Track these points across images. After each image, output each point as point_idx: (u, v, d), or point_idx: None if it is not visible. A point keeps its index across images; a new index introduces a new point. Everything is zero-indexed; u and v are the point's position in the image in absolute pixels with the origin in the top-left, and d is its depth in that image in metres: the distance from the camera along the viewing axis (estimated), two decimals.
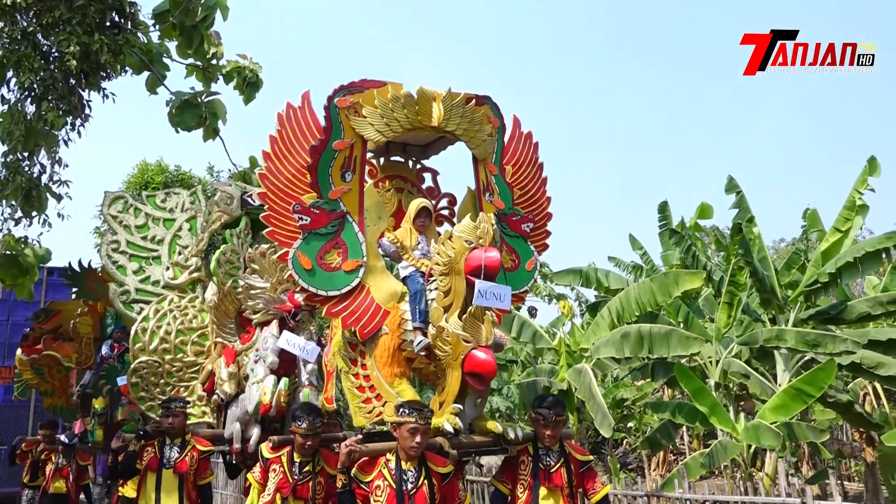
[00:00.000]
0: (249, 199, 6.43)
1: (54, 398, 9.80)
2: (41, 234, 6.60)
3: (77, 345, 8.79)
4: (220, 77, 7.70)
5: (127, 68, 6.94)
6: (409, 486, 3.64)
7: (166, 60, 7.38)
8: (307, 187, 4.13)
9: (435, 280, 4.17)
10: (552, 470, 4.08)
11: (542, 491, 4.03)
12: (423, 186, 5.13)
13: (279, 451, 4.42)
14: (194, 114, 7.47)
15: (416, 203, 4.57)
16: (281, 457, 4.39)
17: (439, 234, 4.69)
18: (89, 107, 6.47)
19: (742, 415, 9.43)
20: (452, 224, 4.91)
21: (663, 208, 13.18)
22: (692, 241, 11.56)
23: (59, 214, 6.70)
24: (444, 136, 4.66)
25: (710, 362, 9.99)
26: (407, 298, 4.21)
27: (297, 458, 4.36)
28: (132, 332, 6.24)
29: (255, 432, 4.97)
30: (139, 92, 7.50)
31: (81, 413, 8.62)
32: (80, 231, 42.81)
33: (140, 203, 7.03)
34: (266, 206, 4.11)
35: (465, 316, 3.92)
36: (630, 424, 16.38)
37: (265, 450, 4.45)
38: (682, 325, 10.54)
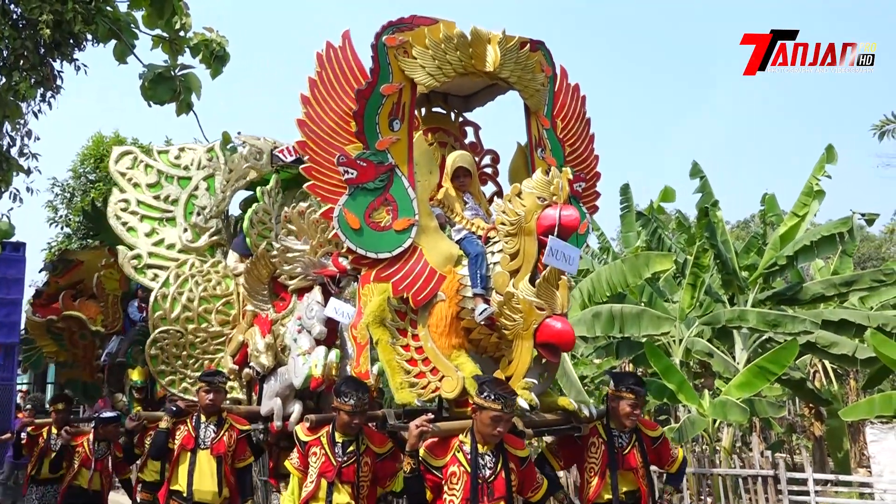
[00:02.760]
0: (280, 155, 5.79)
1: (74, 370, 7.99)
2: (11, 209, 6.26)
3: (102, 304, 7.38)
4: (187, 50, 7.48)
5: (97, 39, 6.69)
6: (487, 472, 3.29)
7: (134, 30, 7.11)
8: (351, 136, 3.80)
9: (498, 241, 3.79)
10: (625, 452, 3.79)
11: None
12: (466, 142, 4.74)
13: (318, 431, 3.88)
14: (168, 87, 7.17)
15: (452, 160, 4.20)
16: (320, 438, 3.83)
17: (483, 193, 4.37)
18: (61, 78, 6.22)
19: (706, 391, 9.78)
20: (496, 183, 4.62)
21: (625, 191, 13.40)
22: (658, 224, 11.85)
23: (27, 189, 6.41)
24: (493, 86, 4.33)
25: (674, 341, 10.31)
26: (464, 262, 3.86)
27: (339, 439, 3.80)
28: (151, 299, 5.60)
29: (296, 409, 4.56)
30: (95, 63, 7.17)
31: (109, 388, 7.31)
32: (32, 205, 41.03)
33: (151, 159, 6.30)
34: (306, 158, 3.79)
35: (538, 281, 3.59)
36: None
37: (301, 432, 3.92)
38: (644, 305, 10.83)
